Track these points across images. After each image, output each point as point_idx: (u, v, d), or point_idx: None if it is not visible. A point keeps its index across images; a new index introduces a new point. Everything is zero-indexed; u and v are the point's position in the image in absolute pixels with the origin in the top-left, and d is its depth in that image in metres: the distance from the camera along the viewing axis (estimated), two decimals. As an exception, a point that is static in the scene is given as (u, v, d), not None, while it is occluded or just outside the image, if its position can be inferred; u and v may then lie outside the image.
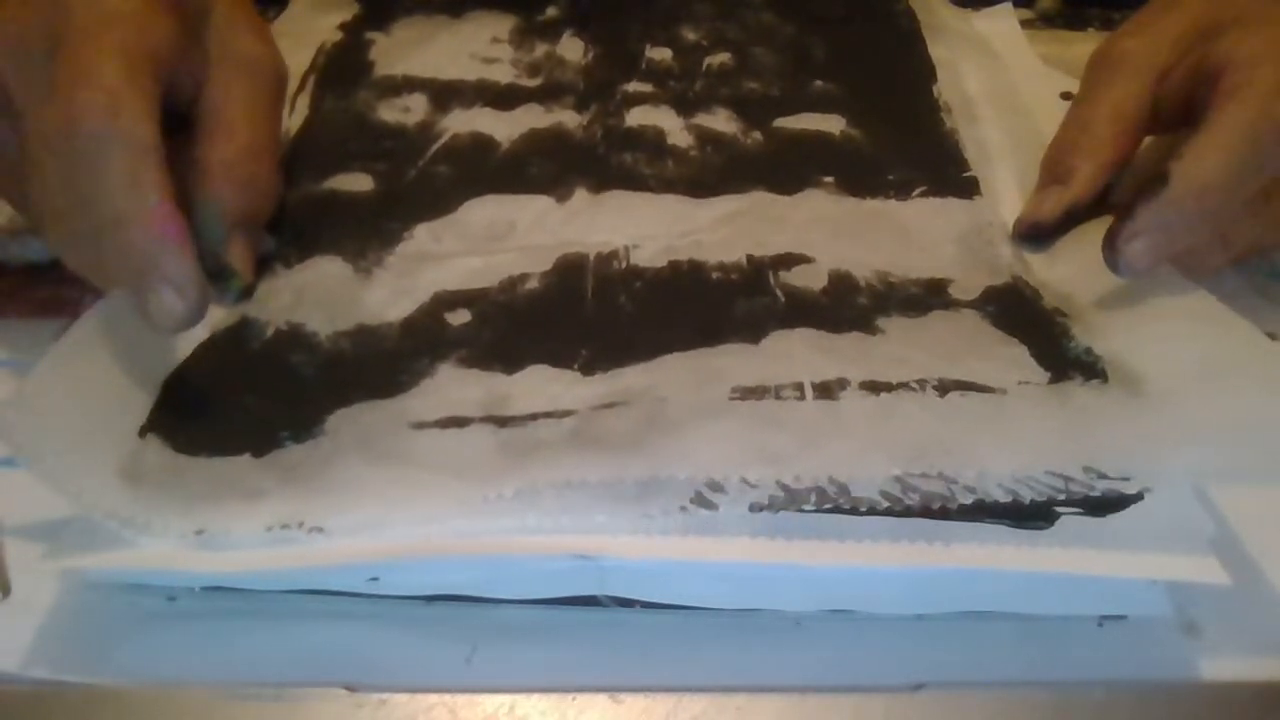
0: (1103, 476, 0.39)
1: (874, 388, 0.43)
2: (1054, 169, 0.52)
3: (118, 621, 0.40)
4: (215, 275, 0.47)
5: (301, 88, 0.63)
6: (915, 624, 0.40)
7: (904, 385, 0.43)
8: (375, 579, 0.40)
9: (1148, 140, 0.52)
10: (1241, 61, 0.47)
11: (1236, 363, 0.43)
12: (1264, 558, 0.42)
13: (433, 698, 0.38)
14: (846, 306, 0.48)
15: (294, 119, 0.61)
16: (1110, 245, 0.46)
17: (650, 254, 0.51)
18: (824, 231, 0.52)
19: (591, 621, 0.41)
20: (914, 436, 0.41)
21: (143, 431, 0.42)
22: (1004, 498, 0.39)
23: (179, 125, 0.48)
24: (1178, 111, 0.50)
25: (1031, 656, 0.40)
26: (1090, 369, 0.44)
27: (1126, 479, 0.39)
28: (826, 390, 0.43)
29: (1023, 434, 0.41)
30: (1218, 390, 0.42)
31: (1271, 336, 0.48)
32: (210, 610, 0.41)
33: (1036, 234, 0.51)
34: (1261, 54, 0.47)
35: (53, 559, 0.39)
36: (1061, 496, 0.39)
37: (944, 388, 0.43)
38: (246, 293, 0.49)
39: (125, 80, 0.43)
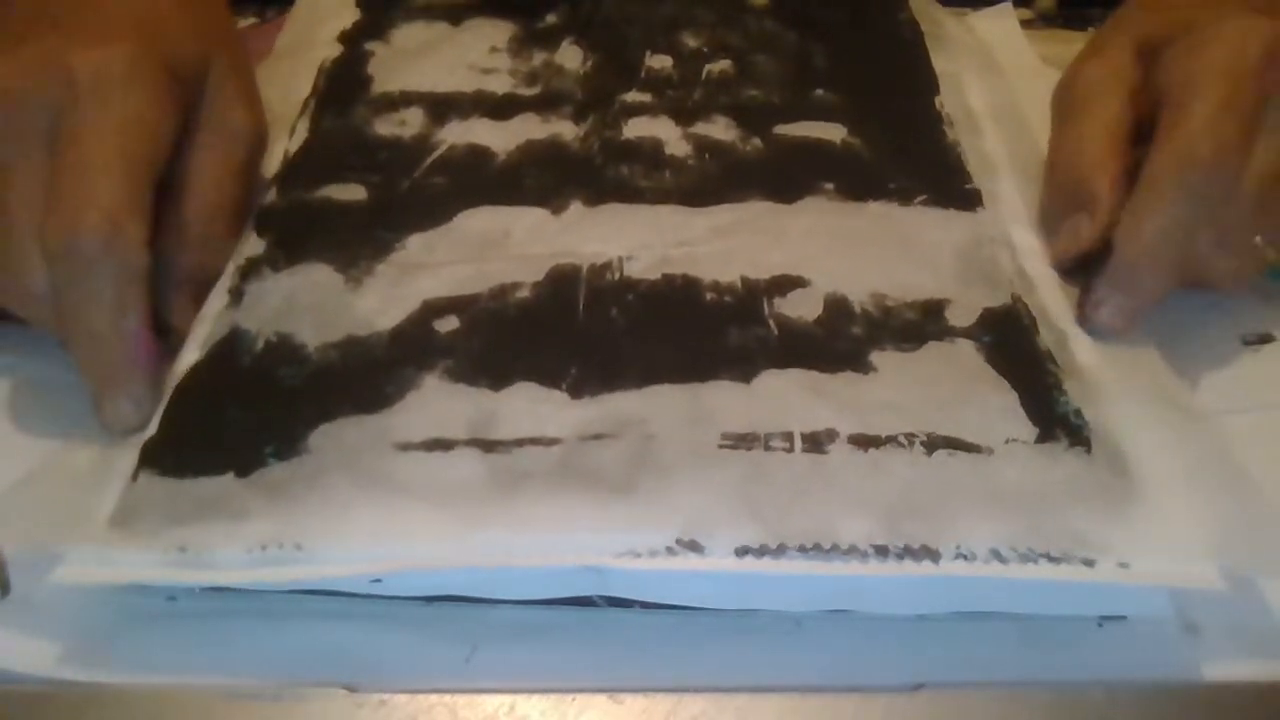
0: (1083, 544, 0.39)
1: (863, 442, 0.42)
2: (1068, 197, 0.51)
3: (118, 621, 0.40)
4: (158, 329, 0.48)
5: (302, 112, 0.63)
6: (915, 624, 0.40)
7: (893, 439, 0.42)
8: (378, 580, 0.40)
9: None
10: (1176, 90, 0.48)
11: (1216, 476, 0.42)
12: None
13: (433, 698, 0.38)
14: (840, 339, 0.47)
15: (294, 141, 0.60)
16: (1081, 316, 0.48)
17: (644, 266, 0.51)
18: (822, 244, 0.52)
19: (591, 621, 0.41)
20: (900, 499, 0.40)
21: (135, 474, 0.42)
22: (987, 559, 0.38)
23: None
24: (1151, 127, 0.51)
25: (1031, 656, 0.40)
26: (1077, 434, 0.43)
27: (1106, 549, 0.39)
28: (816, 443, 0.42)
29: (1006, 506, 0.40)
30: (1200, 499, 0.41)
31: (1270, 338, 0.48)
32: (210, 610, 0.41)
33: (1084, 262, 0.50)
34: (1196, 79, 0.48)
35: (58, 573, 0.39)
36: (1042, 560, 0.38)
37: (932, 444, 0.42)
38: (235, 295, 0.50)
39: (126, 200, 0.44)
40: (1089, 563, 0.38)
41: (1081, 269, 0.50)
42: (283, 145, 0.60)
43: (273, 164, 0.59)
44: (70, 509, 0.41)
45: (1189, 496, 0.41)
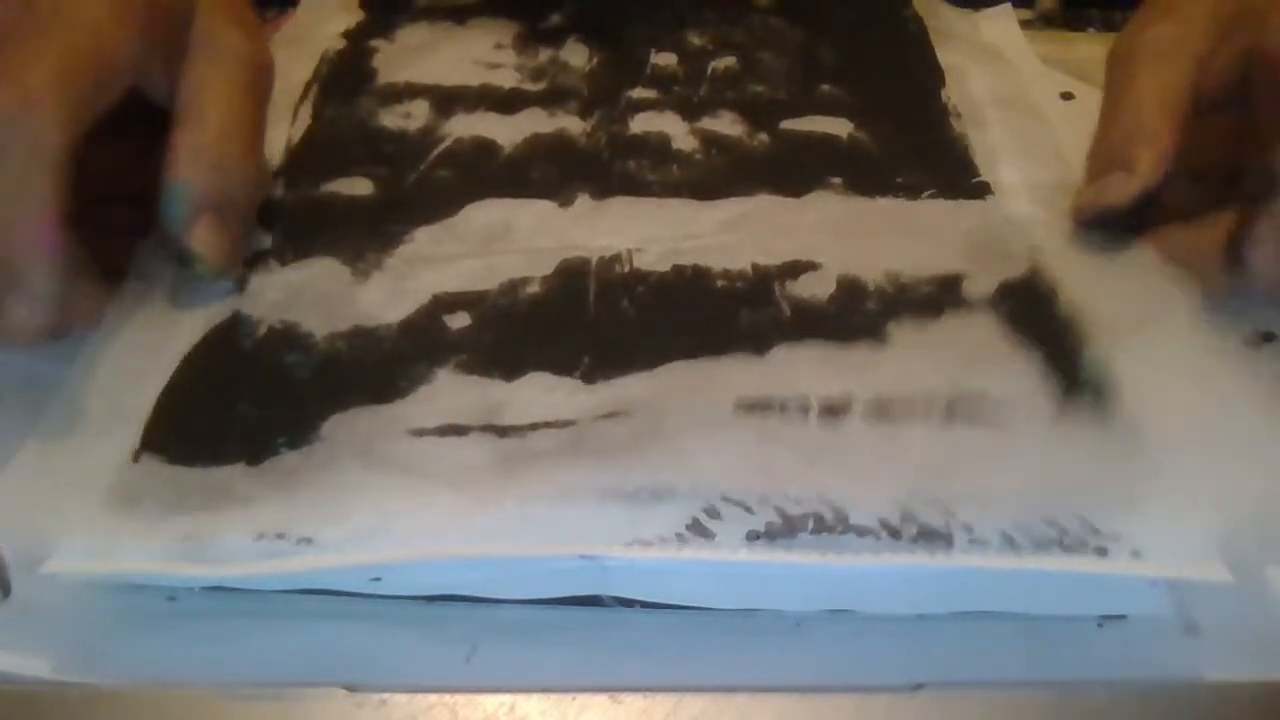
0: (1096, 531, 0.38)
1: (880, 409, 0.42)
2: (1111, 157, 0.50)
3: (118, 621, 0.40)
4: (180, 260, 0.48)
5: (304, 98, 0.63)
6: (915, 624, 0.40)
7: (911, 410, 0.42)
8: (378, 579, 0.40)
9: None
10: None
11: (1239, 442, 0.42)
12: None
13: (433, 698, 0.38)
14: (855, 313, 0.47)
15: (296, 128, 0.61)
16: (1233, 257, 0.46)
17: (654, 258, 0.51)
18: (831, 233, 0.52)
19: (591, 621, 0.41)
20: (916, 467, 0.40)
21: (136, 455, 0.42)
22: (1000, 543, 0.38)
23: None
24: (1218, 98, 0.50)
25: (1031, 656, 0.39)
26: (1098, 409, 0.43)
27: (1119, 537, 0.38)
28: (832, 409, 0.42)
29: (1021, 487, 0.40)
30: (1219, 470, 0.41)
31: (1272, 337, 0.48)
32: (210, 610, 0.41)
33: (1106, 221, 0.50)
34: None
35: (50, 564, 0.39)
36: (1055, 547, 0.38)
37: (951, 414, 0.42)
38: (238, 284, 0.50)
39: (51, 84, 0.43)
40: (1101, 551, 0.38)
41: (1102, 230, 0.50)
42: (284, 130, 0.60)
43: (276, 150, 0.59)
44: (61, 498, 0.41)
45: (1206, 481, 0.40)
